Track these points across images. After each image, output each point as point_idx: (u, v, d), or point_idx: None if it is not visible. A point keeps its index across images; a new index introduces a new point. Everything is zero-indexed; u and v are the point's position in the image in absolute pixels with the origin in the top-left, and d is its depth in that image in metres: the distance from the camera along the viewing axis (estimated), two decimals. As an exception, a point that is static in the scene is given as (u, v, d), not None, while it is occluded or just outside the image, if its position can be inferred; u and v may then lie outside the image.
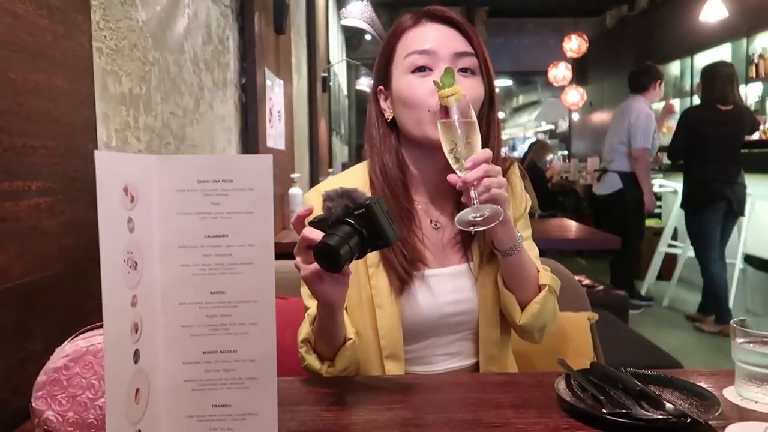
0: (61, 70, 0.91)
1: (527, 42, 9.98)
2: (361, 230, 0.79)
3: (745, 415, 0.77)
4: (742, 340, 0.82)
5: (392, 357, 1.02)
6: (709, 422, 0.72)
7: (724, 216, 3.90)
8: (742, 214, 3.97)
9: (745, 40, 5.40)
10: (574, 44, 7.91)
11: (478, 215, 0.89)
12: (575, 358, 1.39)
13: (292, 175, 2.93)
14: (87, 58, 1.01)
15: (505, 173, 1.06)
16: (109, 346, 0.55)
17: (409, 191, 1.06)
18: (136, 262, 0.59)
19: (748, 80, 5.33)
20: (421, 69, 1.00)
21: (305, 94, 4.40)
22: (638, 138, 4.27)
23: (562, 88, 8.83)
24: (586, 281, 3.06)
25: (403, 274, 1.00)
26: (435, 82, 0.93)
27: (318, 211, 0.85)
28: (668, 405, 0.73)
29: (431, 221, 1.07)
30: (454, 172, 0.92)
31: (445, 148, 0.91)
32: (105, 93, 1.24)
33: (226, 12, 2.29)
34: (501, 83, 13.35)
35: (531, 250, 1.10)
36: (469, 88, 0.99)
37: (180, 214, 0.64)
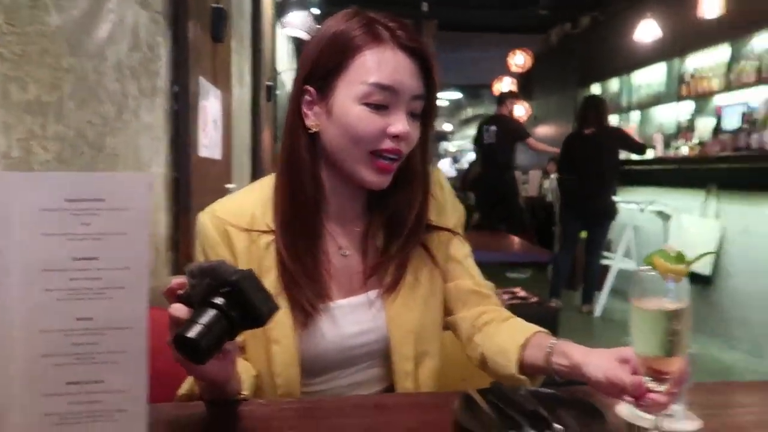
0: (-60, 78, 0.85)
1: (475, 56, 10.14)
2: (229, 312, 0.68)
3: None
4: None
5: (288, 396, 0.94)
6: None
7: (588, 221, 4.70)
8: (610, 219, 4.67)
9: (678, 60, 5.63)
10: (520, 59, 8.09)
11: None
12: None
13: (228, 185, 2.87)
14: (-26, 64, 0.95)
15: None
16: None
17: (321, 216, 0.98)
18: (-14, 288, 0.55)
19: (680, 98, 5.55)
20: (377, 105, 0.90)
21: (248, 102, 4.33)
22: None
23: (507, 102, 8.97)
24: (522, 293, 3.10)
25: (309, 307, 0.93)
26: (665, 255, 0.72)
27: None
28: (556, 426, 0.74)
29: (339, 248, 1.00)
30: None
31: (643, 339, 0.74)
32: (6, 101, 1.18)
33: (158, 18, 2.22)
34: (450, 95, 13.55)
35: (473, 268, 1.07)
36: (415, 132, 0.94)
37: (44, 235, 0.60)
